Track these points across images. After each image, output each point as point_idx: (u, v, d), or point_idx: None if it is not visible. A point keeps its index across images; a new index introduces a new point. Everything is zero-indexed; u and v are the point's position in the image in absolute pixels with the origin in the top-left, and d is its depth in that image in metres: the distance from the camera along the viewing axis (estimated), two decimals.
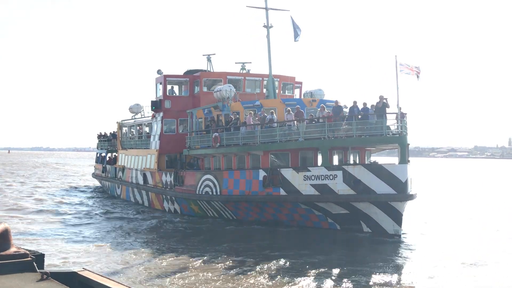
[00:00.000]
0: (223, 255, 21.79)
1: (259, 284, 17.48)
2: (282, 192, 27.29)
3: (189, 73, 40.65)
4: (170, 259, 21.21)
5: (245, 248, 23.56)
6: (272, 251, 22.59)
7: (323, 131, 26.63)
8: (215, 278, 18.11)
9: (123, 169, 46.36)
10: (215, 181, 30.77)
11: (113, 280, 7.15)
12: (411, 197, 25.09)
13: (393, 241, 24.87)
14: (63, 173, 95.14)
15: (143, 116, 48.82)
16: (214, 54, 42.11)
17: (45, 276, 6.48)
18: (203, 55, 42.47)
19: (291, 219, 28.31)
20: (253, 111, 31.34)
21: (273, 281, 17.72)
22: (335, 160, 30.00)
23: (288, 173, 27.15)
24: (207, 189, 31.32)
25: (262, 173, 28.20)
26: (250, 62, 41.74)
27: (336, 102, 27.23)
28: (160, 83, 39.48)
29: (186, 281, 17.75)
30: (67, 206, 42.03)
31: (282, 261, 20.38)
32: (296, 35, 33.36)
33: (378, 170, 25.12)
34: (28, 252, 6.90)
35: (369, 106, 26.51)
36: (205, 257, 21.27)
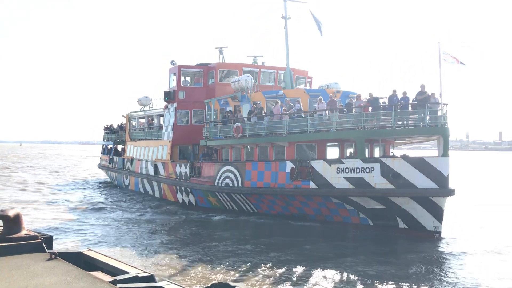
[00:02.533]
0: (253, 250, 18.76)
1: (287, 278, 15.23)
2: (312, 185, 23.11)
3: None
4: (181, 247, 19.73)
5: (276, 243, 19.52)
6: (301, 246, 19.68)
7: (359, 121, 22.50)
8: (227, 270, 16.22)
9: (131, 160, 41.71)
10: (237, 172, 26.45)
11: (116, 260, 7.63)
12: (452, 192, 21.10)
13: (433, 238, 20.98)
14: (72, 164, 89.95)
15: (151, 108, 44.28)
16: (226, 47, 37.74)
17: (53, 256, 7.04)
18: (215, 47, 38.09)
19: (319, 213, 24.17)
20: (275, 101, 27.12)
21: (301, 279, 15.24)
22: (348, 152, 25.96)
23: (319, 165, 22.98)
24: (228, 180, 26.98)
25: (289, 165, 23.98)
26: (262, 56, 37.50)
27: (370, 94, 23.06)
28: (174, 74, 34.97)
29: (200, 269, 16.19)
30: (77, 195, 37.97)
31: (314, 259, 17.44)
32: (320, 29, 29.20)
33: (419, 164, 21.08)
34: (37, 234, 7.66)
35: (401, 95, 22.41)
36: (226, 248, 19.26)
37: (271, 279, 15.15)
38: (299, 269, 16.20)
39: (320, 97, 24.97)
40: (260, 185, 25.07)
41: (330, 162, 22.79)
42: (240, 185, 26.13)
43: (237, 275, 15.52)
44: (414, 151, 25.04)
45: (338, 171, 22.41)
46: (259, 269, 16.14)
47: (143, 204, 33.09)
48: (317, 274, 15.70)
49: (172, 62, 35.41)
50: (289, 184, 23.81)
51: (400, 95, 22.20)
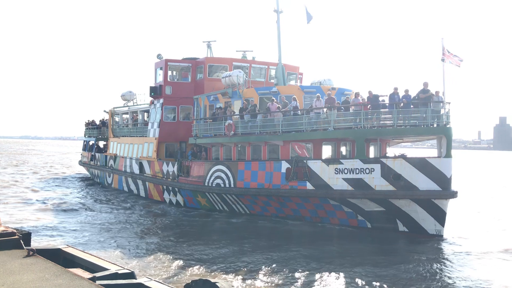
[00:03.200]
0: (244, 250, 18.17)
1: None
2: (309, 186, 22.11)
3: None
4: (162, 244, 19.47)
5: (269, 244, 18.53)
6: (295, 248, 18.90)
7: (358, 120, 21.57)
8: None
9: (115, 157, 40.19)
10: (229, 172, 25.30)
11: (95, 256, 7.92)
12: (455, 194, 20.33)
13: (434, 241, 20.21)
14: (49, 161, 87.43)
15: (135, 104, 42.77)
16: (214, 41, 36.39)
17: (31, 253, 7.02)
18: (203, 41, 36.66)
19: (315, 215, 23.20)
20: (268, 98, 26.03)
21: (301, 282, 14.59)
22: (344, 152, 25.09)
23: (317, 166, 22.00)
24: (219, 180, 25.82)
25: (285, 165, 22.94)
26: (252, 51, 36.25)
27: (370, 92, 22.11)
28: (161, 68, 33.57)
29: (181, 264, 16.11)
30: (56, 193, 36.38)
31: (308, 261, 16.86)
32: (309, 18, 28.15)
33: (421, 164, 20.24)
34: (15, 230, 7.72)
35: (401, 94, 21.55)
36: (200, 246, 18.99)
37: (253, 276, 15.01)
38: (282, 268, 15.85)
39: (318, 94, 23.96)
40: (254, 186, 23.98)
41: (328, 162, 21.82)
42: (232, 185, 25.00)
43: (218, 271, 15.41)
44: (409, 150, 24.20)
45: (336, 172, 21.45)
46: (240, 267, 16.00)
47: (126, 203, 32.03)
48: (301, 275, 15.16)
49: (159, 56, 34.02)
50: (285, 185, 22.78)
51: (401, 93, 21.29)
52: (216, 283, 7.19)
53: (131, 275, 7.03)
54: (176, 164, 29.44)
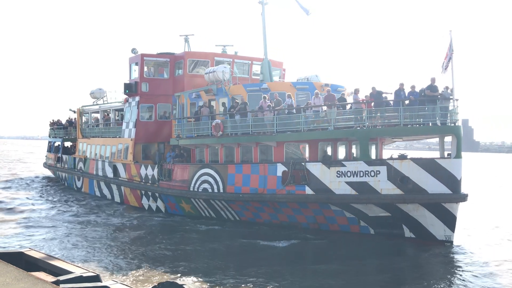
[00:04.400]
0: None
1: None
2: (308, 190, 20.41)
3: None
4: (130, 247, 19.08)
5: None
6: (298, 260, 18.03)
7: (361, 119, 19.99)
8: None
9: (85, 159, 37.45)
10: (217, 176, 23.32)
11: (59, 259, 7.84)
12: (466, 197, 19.06)
13: (443, 247, 18.96)
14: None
15: (105, 102, 40.06)
16: (192, 34, 34.14)
17: None
18: (180, 35, 34.30)
19: (313, 221, 21.54)
20: (258, 95, 24.19)
21: None
22: (341, 153, 23.60)
23: (316, 168, 20.31)
24: (206, 185, 23.79)
25: (281, 168, 21.16)
26: (232, 45, 34.16)
27: (373, 88, 20.56)
28: (136, 64, 31.14)
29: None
30: (20, 195, 33.58)
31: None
32: (306, 11, 26.44)
33: (430, 166, 18.86)
34: None
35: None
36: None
37: (222, 278, 14.96)
38: (253, 270, 15.74)
39: (317, 91, 22.27)
40: (246, 191, 22.10)
41: (329, 164, 20.16)
42: (221, 190, 23.04)
43: (186, 274, 15.33)
44: (399, 151, 22.99)
45: (338, 175, 19.83)
46: (209, 269, 16.00)
47: (97, 208, 30.14)
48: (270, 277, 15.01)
49: (133, 51, 31.59)
50: (281, 189, 21.01)
51: (406, 90, 19.83)
52: (183, 285, 6.98)
53: (96, 278, 6.86)
54: (156, 167, 27.19)
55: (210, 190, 23.53)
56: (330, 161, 20.76)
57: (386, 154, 25.70)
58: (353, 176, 19.61)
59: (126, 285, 6.75)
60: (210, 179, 23.58)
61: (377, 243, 19.96)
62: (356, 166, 19.60)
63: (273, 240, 20.08)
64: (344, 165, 19.81)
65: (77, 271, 7.06)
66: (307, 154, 22.65)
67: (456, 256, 18.48)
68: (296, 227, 21.94)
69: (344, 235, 20.81)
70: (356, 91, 20.70)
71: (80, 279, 6.75)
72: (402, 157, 19.54)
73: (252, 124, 22.47)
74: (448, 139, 20.86)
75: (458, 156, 18.87)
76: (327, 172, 20.03)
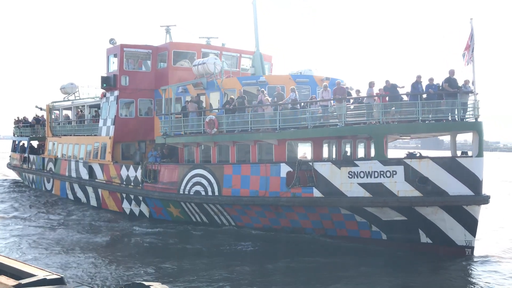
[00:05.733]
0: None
1: None
2: (317, 193, 18.57)
3: None
4: (96, 249, 18.74)
5: None
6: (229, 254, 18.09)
7: (374, 114, 18.30)
8: None
9: (55, 160, 34.53)
10: (211, 178, 21.20)
11: (22, 262, 7.63)
12: (488, 199, 17.63)
13: (462, 253, 17.50)
14: None
15: (77, 97, 37.19)
16: (174, 25, 31.78)
17: None
18: (161, 26, 31.90)
19: (319, 227, 19.72)
20: (254, 89, 22.23)
21: None
22: (333, 153, 21.92)
23: (326, 169, 18.48)
24: (198, 187, 21.63)
25: (285, 168, 19.24)
26: (217, 37, 31.97)
27: (387, 81, 18.84)
28: (115, 55, 28.60)
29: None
30: None
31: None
32: None
33: (451, 165, 17.31)
34: None
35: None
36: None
37: (192, 280, 14.81)
38: (219, 274, 15.48)
39: (325, 83, 20.45)
40: (245, 194, 20.07)
41: (340, 164, 18.36)
42: (216, 193, 20.93)
43: (153, 275, 15.21)
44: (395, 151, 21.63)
45: (350, 176, 18.06)
46: (179, 271, 15.83)
47: (64, 210, 28.55)
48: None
49: (112, 41, 29.02)
50: (286, 192, 19.09)
51: (425, 82, 18.25)
52: (150, 286, 6.86)
53: (60, 280, 6.79)
54: (140, 167, 24.79)
55: (203, 193, 21.39)
56: (341, 161, 19.01)
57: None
58: (367, 177, 17.89)
59: (92, 287, 6.61)
60: (203, 181, 21.44)
61: (390, 249, 18.39)
62: (370, 166, 17.88)
63: (241, 241, 19.50)
64: (356, 165, 18.07)
65: (40, 274, 6.87)
66: (311, 153, 20.82)
67: (476, 265, 17.03)
68: (298, 233, 20.09)
69: (354, 241, 19.11)
70: (371, 84, 18.95)
71: (43, 282, 6.56)
72: (421, 156, 17.95)
73: (252, 120, 20.44)
74: (460, 137, 19.51)
75: (479, 154, 17.41)
76: (338, 173, 18.24)
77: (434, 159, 17.57)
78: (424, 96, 17.94)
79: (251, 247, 18.87)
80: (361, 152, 23.10)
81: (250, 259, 17.51)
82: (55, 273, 7.15)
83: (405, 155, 19.83)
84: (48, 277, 6.74)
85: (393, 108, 18.27)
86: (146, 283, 6.90)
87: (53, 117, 38.44)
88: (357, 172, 17.98)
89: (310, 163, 18.74)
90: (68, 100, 36.75)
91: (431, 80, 18.12)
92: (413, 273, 16.23)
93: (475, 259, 17.55)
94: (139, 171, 24.81)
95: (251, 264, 16.78)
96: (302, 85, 22.74)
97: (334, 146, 21.45)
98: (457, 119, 17.80)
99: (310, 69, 28.66)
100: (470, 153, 18.35)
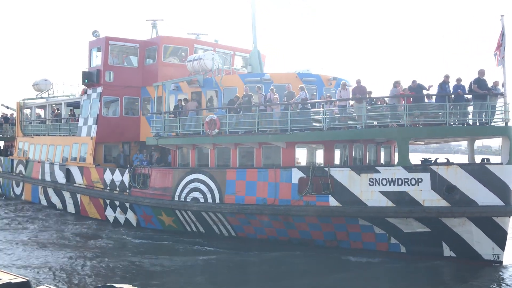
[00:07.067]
0: None
1: None
2: (333, 202, 16.86)
3: None
4: (65, 251, 18.38)
5: None
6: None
7: (395, 116, 16.78)
8: None
9: (26, 162, 31.69)
10: (212, 183, 19.19)
11: None
12: None
13: (490, 268, 16.14)
14: None
15: (51, 95, 34.45)
16: (161, 19, 29.72)
17: None
18: (147, 20, 29.76)
19: (331, 238, 18.00)
20: (255, 88, 20.41)
21: None
22: (336, 158, 20.39)
23: (344, 175, 16.80)
24: (196, 194, 19.58)
25: (297, 174, 17.46)
26: (207, 34, 30.03)
27: (414, 81, 17.32)
28: (98, 49, 26.25)
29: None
30: None
31: None
32: None
33: (480, 173, 15.93)
34: None
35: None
36: None
37: (162, 282, 14.72)
38: (190, 276, 15.50)
39: (344, 81, 18.79)
40: (251, 201, 18.16)
41: (360, 170, 16.72)
42: (217, 200, 18.94)
43: (124, 278, 14.98)
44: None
45: (371, 183, 16.44)
46: (150, 273, 15.60)
47: (32, 213, 27.36)
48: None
49: (95, 33, 26.65)
50: (298, 200, 17.30)
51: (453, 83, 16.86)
52: None
53: (26, 284, 6.73)
54: (127, 171, 22.52)
55: (202, 200, 19.35)
56: (361, 166, 17.40)
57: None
58: (390, 185, 16.31)
59: None
60: (202, 187, 19.41)
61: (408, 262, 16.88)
62: (393, 173, 16.31)
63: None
64: (378, 171, 16.47)
65: (5, 277, 6.83)
66: (322, 158, 19.14)
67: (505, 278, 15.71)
68: (307, 245, 18.32)
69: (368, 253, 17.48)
70: (396, 84, 17.37)
71: (8, 286, 6.50)
72: (448, 163, 16.52)
73: (259, 121, 18.59)
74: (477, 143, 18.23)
75: (510, 161, 16.12)
76: (357, 180, 16.59)
77: (462, 166, 16.15)
78: (452, 97, 16.53)
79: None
80: (370, 158, 21.59)
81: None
82: (20, 276, 7.04)
83: (420, 161, 18.48)
84: (13, 281, 6.60)
85: (422, 111, 16.77)
86: (117, 285, 6.67)
87: (27, 115, 35.60)
88: (379, 179, 16.38)
89: (326, 169, 17.03)
90: (42, 97, 33.96)
91: (458, 80, 16.76)
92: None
93: (504, 270, 16.24)
94: (126, 175, 22.54)
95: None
96: (309, 84, 21.07)
97: (345, 151, 19.84)
98: (483, 122, 16.50)
99: (308, 69, 27.07)
100: (492, 159, 17.13)
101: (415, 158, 19.85)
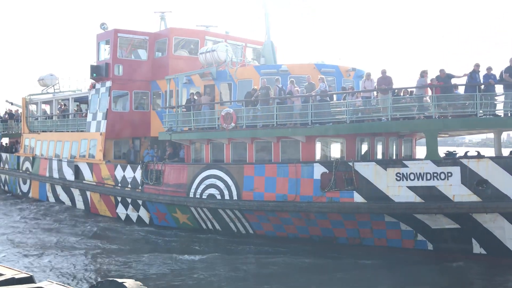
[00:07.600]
0: None
1: None
2: (358, 198, 16.13)
3: None
4: (67, 246, 18.43)
5: None
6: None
7: (422, 107, 16.02)
8: None
9: (33, 158, 31.03)
10: (229, 179, 18.48)
11: None
12: None
13: None
14: None
15: (57, 90, 33.74)
16: (170, 11, 29.14)
17: None
18: (155, 12, 29.00)
19: (354, 236, 17.29)
20: (271, 80, 19.63)
21: None
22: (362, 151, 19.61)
23: (369, 170, 16.05)
24: (212, 190, 18.88)
25: (319, 169, 16.72)
26: (216, 26, 29.25)
27: (442, 71, 16.48)
28: (107, 42, 25.50)
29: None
30: None
31: None
32: None
33: None
34: None
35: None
36: None
37: (163, 277, 14.65)
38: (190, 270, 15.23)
39: (368, 72, 18.01)
40: (271, 198, 17.44)
41: (386, 164, 15.97)
42: (235, 197, 18.23)
43: (126, 273, 14.85)
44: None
45: (398, 178, 15.69)
46: (152, 268, 15.42)
47: (39, 209, 26.96)
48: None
49: (103, 26, 25.90)
50: (320, 196, 16.57)
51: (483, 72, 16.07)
52: (124, 283, 6.55)
53: (29, 279, 6.69)
54: (139, 167, 21.81)
55: (219, 197, 18.64)
56: (387, 160, 16.65)
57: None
58: (418, 180, 15.55)
59: (63, 285, 6.40)
60: (219, 183, 18.70)
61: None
62: (422, 167, 15.55)
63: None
64: (405, 166, 15.71)
65: (8, 273, 6.75)
66: (343, 152, 18.40)
67: None
68: (329, 242, 17.63)
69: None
70: (423, 74, 16.53)
71: (12, 281, 6.44)
72: (479, 156, 15.75)
73: (278, 114, 17.83)
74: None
75: None
76: (384, 175, 15.84)
77: (494, 159, 15.39)
78: (482, 87, 15.74)
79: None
80: (390, 152, 20.84)
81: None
82: (24, 271, 7.02)
83: (445, 154, 17.72)
84: (17, 276, 6.57)
85: (452, 102, 15.96)
86: (120, 280, 6.67)
87: (33, 110, 34.95)
88: (407, 173, 15.63)
89: (350, 164, 16.28)
90: (48, 93, 33.24)
91: (489, 69, 15.93)
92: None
93: None
94: (138, 171, 21.84)
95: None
96: (327, 76, 20.28)
97: (366, 144, 19.10)
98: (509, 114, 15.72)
99: (322, 61, 26.29)
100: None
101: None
